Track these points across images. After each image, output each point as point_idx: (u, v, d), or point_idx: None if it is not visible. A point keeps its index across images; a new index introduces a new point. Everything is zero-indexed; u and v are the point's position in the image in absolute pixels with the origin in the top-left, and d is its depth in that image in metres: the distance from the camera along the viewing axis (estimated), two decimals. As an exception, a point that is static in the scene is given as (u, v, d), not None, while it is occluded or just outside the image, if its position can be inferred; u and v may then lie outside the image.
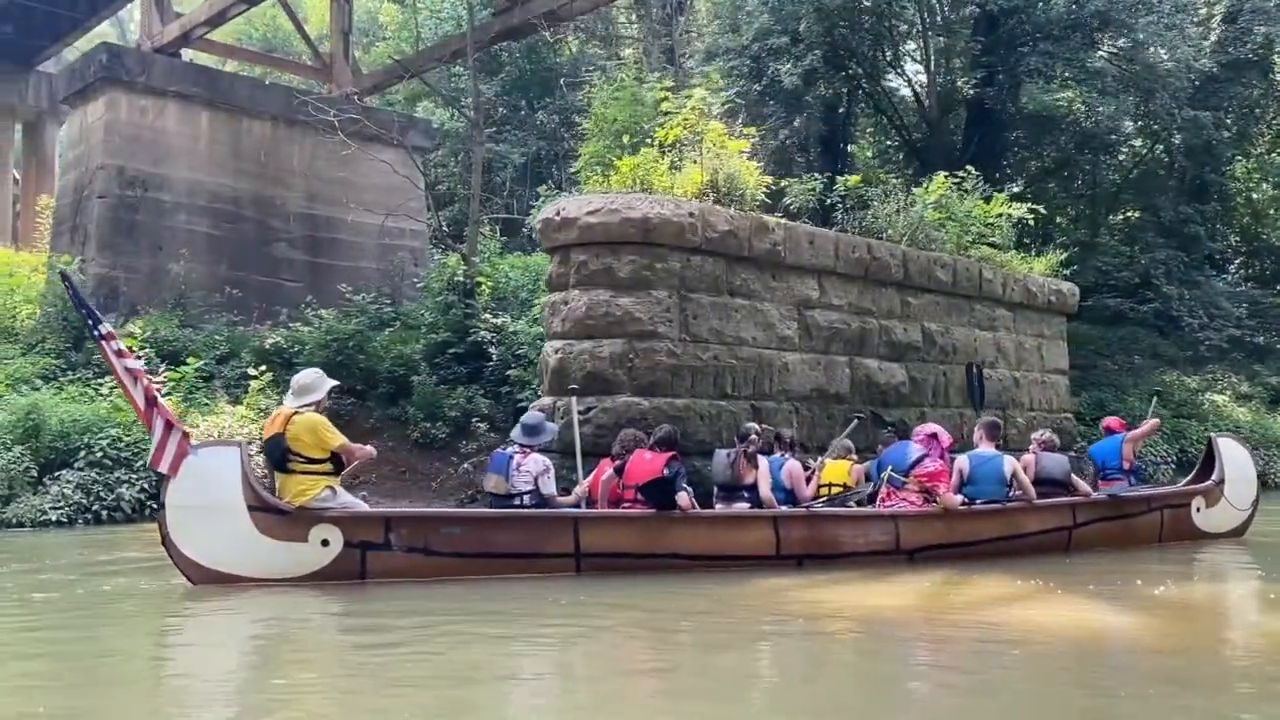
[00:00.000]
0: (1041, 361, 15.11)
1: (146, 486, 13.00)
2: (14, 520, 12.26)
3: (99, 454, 13.21)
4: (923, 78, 26.11)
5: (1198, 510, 10.61)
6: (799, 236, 11.59)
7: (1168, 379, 23.63)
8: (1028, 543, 9.80)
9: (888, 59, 25.37)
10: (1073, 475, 10.23)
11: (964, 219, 14.49)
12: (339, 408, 17.85)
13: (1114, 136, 23.66)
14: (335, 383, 8.46)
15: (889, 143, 27.67)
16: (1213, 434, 11.53)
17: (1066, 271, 15.48)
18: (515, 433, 8.87)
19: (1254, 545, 10.70)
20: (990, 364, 14.20)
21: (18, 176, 34.71)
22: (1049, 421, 15.06)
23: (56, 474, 12.92)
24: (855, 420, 10.10)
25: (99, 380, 15.65)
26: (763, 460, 9.24)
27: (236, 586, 7.35)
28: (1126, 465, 10.67)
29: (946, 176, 14.91)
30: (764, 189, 11.55)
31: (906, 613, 7.05)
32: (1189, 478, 11.42)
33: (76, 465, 13.07)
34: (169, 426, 7.43)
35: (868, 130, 27.89)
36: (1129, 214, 26.32)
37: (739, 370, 11.00)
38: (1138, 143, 25.48)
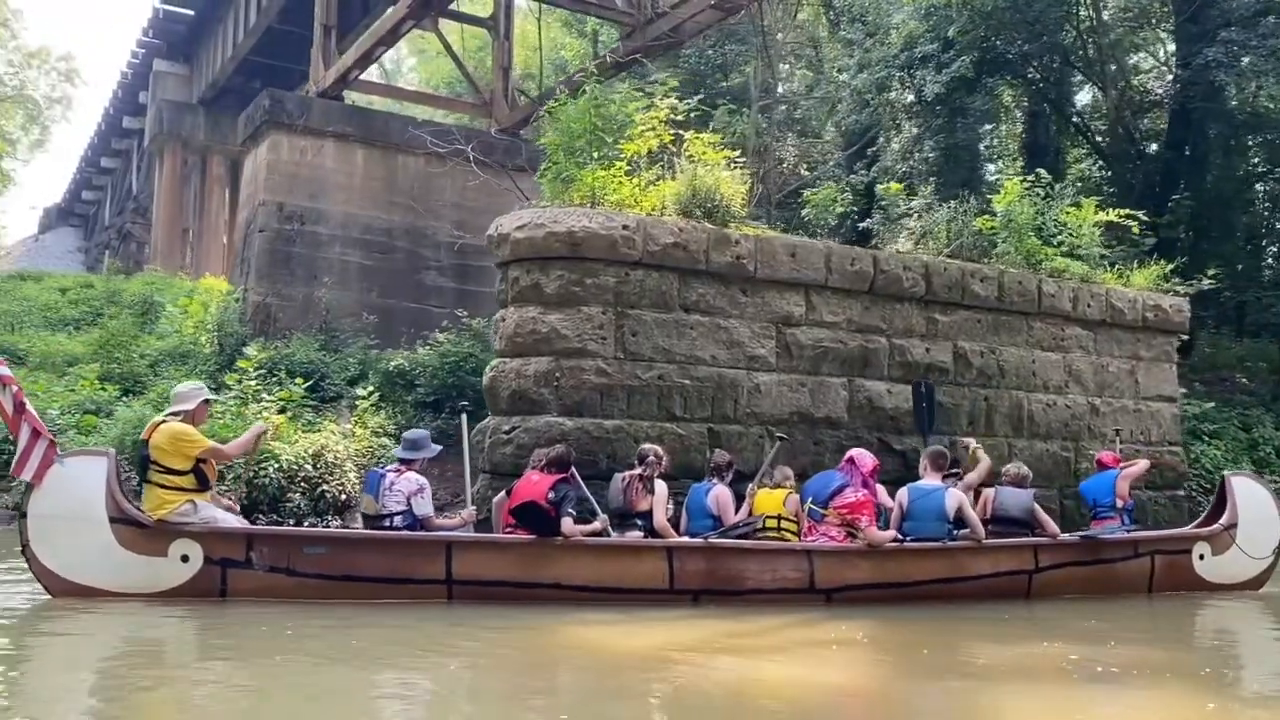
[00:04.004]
0: (1136, 387, 13.20)
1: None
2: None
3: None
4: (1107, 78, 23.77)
5: (1200, 558, 8.96)
6: (773, 249, 10.77)
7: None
8: (975, 587, 8.67)
9: (1068, 60, 23.30)
10: (1039, 513, 8.92)
11: (1038, 228, 13.01)
12: (448, 428, 18.46)
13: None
14: (208, 394, 8.37)
15: (1078, 151, 25.39)
16: (1227, 472, 9.70)
17: (1169, 285, 13.46)
18: (397, 449, 8.73)
19: (1273, 600, 8.89)
20: (1058, 389, 12.60)
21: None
22: (1147, 455, 13.16)
23: (148, 480, 14.07)
24: (777, 443, 9.25)
25: (220, 400, 16.93)
26: (659, 485, 8.68)
27: (93, 600, 7.22)
28: (1120, 504, 9.20)
29: (1020, 180, 13.51)
30: (740, 198, 10.85)
31: (656, 653, 6.42)
32: (1197, 521, 9.68)
33: None
34: (35, 434, 7.43)
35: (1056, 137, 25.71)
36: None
37: (692, 391, 10.36)
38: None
